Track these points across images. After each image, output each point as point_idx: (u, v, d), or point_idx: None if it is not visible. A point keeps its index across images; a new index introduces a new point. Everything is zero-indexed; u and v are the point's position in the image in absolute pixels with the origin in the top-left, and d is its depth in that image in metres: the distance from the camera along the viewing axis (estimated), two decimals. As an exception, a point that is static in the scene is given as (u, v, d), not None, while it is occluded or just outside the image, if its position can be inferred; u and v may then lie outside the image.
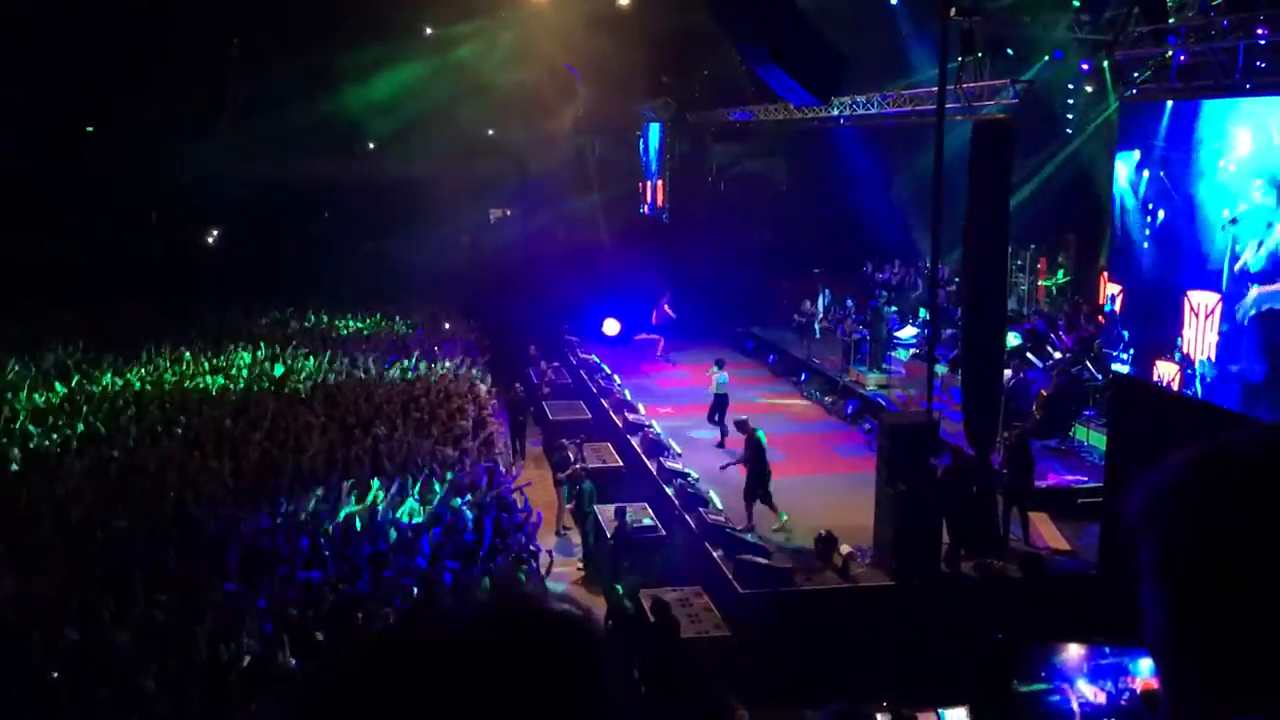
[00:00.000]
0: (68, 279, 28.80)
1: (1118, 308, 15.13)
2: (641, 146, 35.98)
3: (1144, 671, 10.18)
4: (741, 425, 17.21)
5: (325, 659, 10.83)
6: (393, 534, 13.95)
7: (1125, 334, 14.81)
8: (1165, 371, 13.70)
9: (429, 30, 32.32)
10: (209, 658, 10.74)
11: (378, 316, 28.92)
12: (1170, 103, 13.95)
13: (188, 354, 24.21)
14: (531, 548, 14.60)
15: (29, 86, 30.43)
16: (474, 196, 34.34)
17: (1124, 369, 14.72)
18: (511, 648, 1.11)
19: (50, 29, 29.97)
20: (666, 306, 21.20)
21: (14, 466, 16.57)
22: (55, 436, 18.08)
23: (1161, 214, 13.87)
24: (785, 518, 16.16)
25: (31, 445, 17.66)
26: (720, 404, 20.92)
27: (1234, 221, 12.55)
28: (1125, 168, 14.61)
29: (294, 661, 10.76)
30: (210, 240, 36.87)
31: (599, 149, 33.96)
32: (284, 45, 29.98)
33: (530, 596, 1.21)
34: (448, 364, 23.86)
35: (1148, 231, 14.19)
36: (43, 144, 31.70)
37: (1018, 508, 15.40)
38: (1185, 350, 13.29)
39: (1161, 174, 13.86)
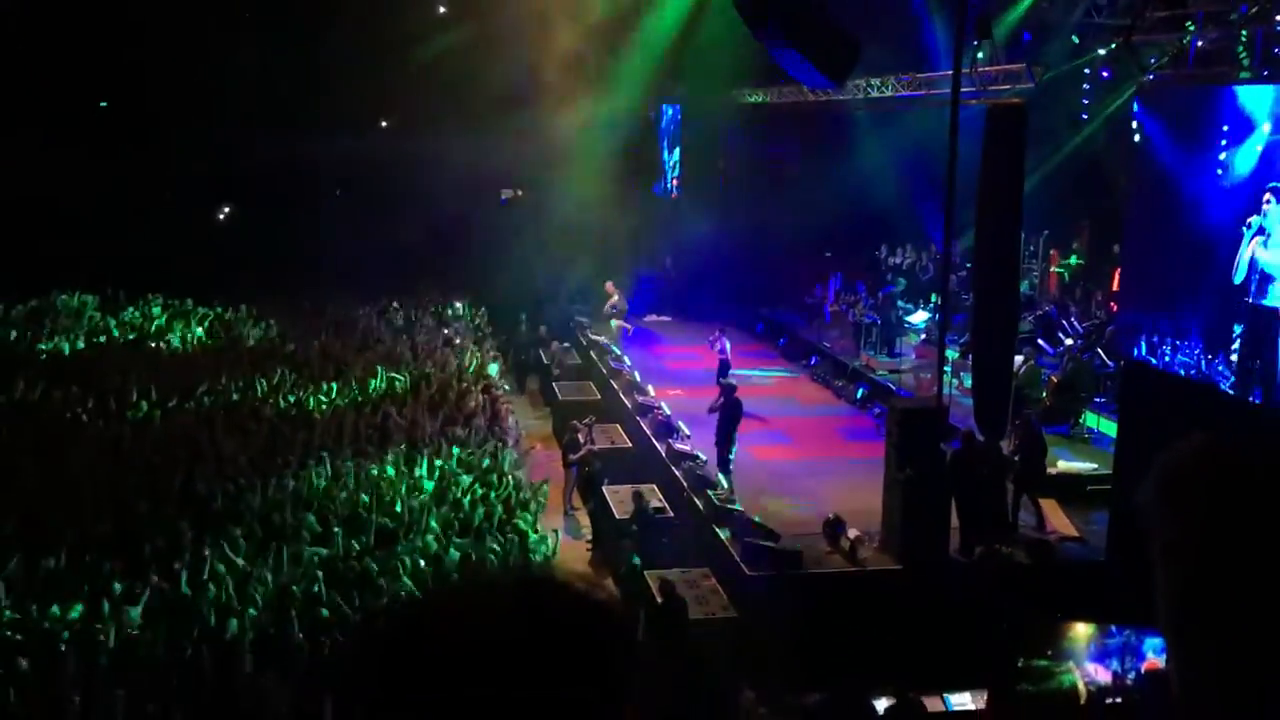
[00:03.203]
0: (82, 260, 28.64)
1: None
2: (656, 128, 35.85)
3: (1151, 652, 10.19)
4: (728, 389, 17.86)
5: (335, 636, 10.89)
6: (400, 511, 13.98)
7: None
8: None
9: (442, 9, 32.22)
10: (217, 632, 10.80)
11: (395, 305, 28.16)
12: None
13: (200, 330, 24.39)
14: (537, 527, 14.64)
15: (45, 66, 30.41)
16: (486, 176, 34.23)
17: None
18: (542, 628, 1.10)
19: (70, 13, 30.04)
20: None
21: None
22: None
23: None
24: (726, 488, 16.29)
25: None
26: (723, 370, 21.06)
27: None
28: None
29: (301, 636, 10.82)
30: (221, 217, 36.80)
31: (612, 130, 33.81)
32: (295, 22, 29.93)
33: (557, 578, 1.20)
34: (458, 341, 23.97)
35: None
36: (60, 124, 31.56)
37: (1028, 494, 15.39)
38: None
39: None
